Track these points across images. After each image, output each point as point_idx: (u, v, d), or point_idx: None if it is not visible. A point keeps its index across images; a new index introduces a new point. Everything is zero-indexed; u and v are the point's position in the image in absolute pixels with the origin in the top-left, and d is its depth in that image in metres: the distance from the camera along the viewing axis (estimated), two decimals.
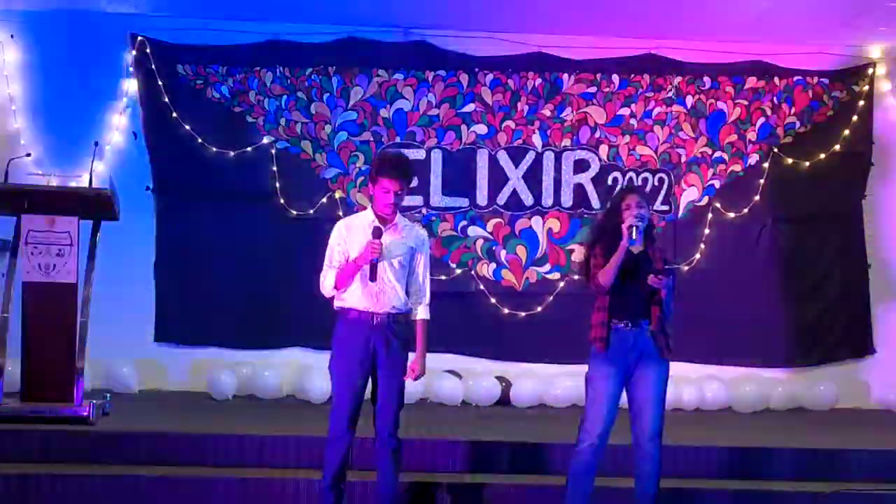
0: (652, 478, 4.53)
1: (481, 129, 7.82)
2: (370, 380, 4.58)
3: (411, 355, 4.62)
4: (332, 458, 4.54)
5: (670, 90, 7.85)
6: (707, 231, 7.80)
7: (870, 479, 5.40)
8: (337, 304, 4.58)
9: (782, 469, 5.51)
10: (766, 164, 7.85)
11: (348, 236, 4.56)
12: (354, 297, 4.52)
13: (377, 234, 4.43)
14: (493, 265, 7.79)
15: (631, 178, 7.81)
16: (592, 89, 7.83)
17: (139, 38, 7.54)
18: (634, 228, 4.39)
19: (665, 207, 7.86)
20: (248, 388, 7.35)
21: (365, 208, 4.70)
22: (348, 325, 4.54)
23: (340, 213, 7.28)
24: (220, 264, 7.55)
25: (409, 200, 7.54)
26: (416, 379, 4.61)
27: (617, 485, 4.91)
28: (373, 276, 4.41)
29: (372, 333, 4.51)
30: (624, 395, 4.56)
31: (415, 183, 7.38)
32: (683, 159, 7.89)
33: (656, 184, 7.86)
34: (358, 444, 4.61)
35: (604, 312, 4.51)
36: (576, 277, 7.15)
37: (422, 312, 4.65)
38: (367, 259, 4.40)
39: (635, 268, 4.48)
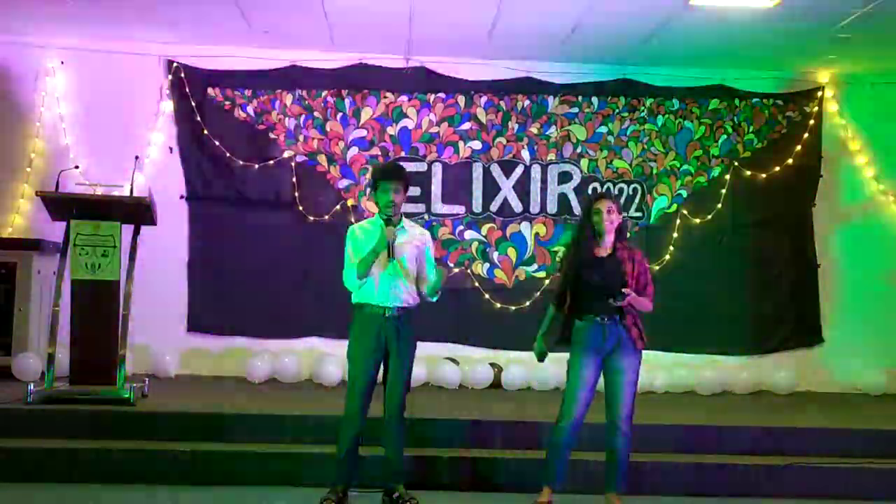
0: (622, 453, 4.52)
1: (476, 144, 7.81)
2: (382, 366, 4.61)
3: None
4: (346, 434, 4.55)
5: (643, 111, 7.82)
6: (676, 235, 7.80)
7: (823, 453, 5.34)
8: (354, 300, 4.62)
9: (741, 445, 5.45)
10: (727, 176, 7.83)
11: (361, 236, 4.61)
12: (370, 294, 4.56)
13: (387, 223, 4.51)
14: (487, 265, 7.78)
15: (609, 188, 7.77)
16: (574, 110, 7.81)
17: (174, 64, 7.54)
18: None
19: (639, 214, 7.84)
20: (271, 372, 7.32)
21: (373, 215, 4.74)
22: (364, 318, 4.58)
23: (352, 219, 7.30)
24: (245, 264, 7.54)
25: (412, 207, 7.56)
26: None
27: (591, 458, 4.87)
28: (391, 253, 4.44)
29: (384, 325, 4.54)
30: (602, 379, 4.56)
31: (417, 192, 7.53)
32: (655, 171, 7.86)
33: (631, 193, 7.83)
34: (369, 423, 4.61)
35: (566, 313, 4.50)
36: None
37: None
38: (384, 242, 4.42)
39: (603, 268, 4.46)
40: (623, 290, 4.34)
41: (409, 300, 4.62)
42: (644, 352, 4.60)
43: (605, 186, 7.80)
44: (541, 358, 4.63)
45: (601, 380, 4.54)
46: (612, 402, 4.48)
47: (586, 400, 4.47)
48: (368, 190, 7.37)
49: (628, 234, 4.84)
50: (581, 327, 4.47)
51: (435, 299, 4.71)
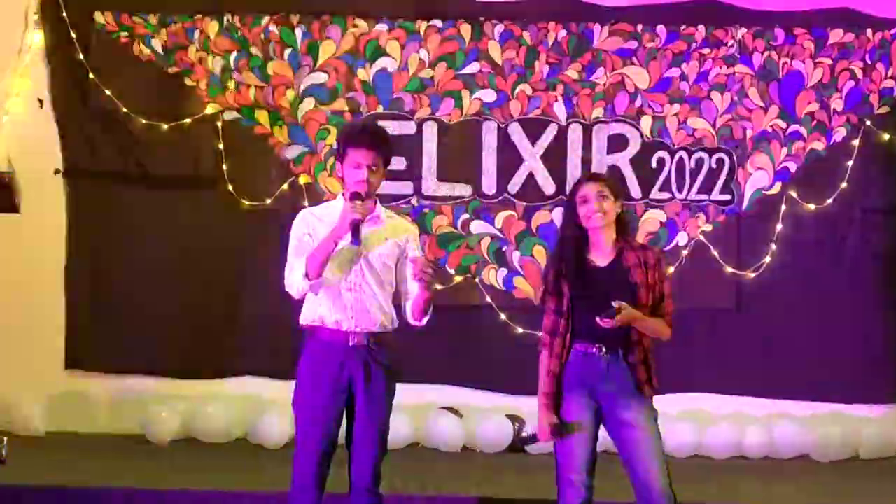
0: None
1: (488, 95, 7.76)
2: (345, 418, 4.61)
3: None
4: None
5: (732, 46, 7.80)
6: (779, 227, 7.79)
7: None
8: (304, 320, 4.63)
9: None
10: (855, 141, 7.83)
11: (318, 227, 4.60)
12: (325, 311, 4.56)
13: (355, 196, 4.48)
14: (504, 271, 7.76)
15: (682, 160, 7.76)
16: (632, 45, 7.80)
17: None
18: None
19: (725, 197, 7.81)
20: (188, 429, 7.36)
21: (336, 196, 4.78)
22: (317, 349, 4.59)
23: (306, 204, 7.18)
24: (151, 269, 7.56)
25: (395, 188, 7.55)
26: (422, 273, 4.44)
27: None
28: (356, 238, 4.43)
29: (347, 359, 4.55)
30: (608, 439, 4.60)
31: (402, 164, 7.53)
32: (749, 135, 7.82)
33: (713, 167, 7.80)
34: (328, 501, 4.56)
35: (559, 337, 4.58)
36: None
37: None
38: (347, 224, 4.41)
39: (602, 283, 4.54)
40: (613, 304, 4.39)
41: (384, 321, 4.62)
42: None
43: (676, 156, 7.77)
44: (556, 432, 4.58)
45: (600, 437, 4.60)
46: (634, 474, 4.50)
47: (588, 460, 4.52)
48: (332, 161, 7.51)
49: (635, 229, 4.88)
50: (573, 361, 4.57)
51: (423, 322, 4.70)
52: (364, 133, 4.67)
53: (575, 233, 4.63)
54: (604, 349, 4.50)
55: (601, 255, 4.61)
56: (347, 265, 4.54)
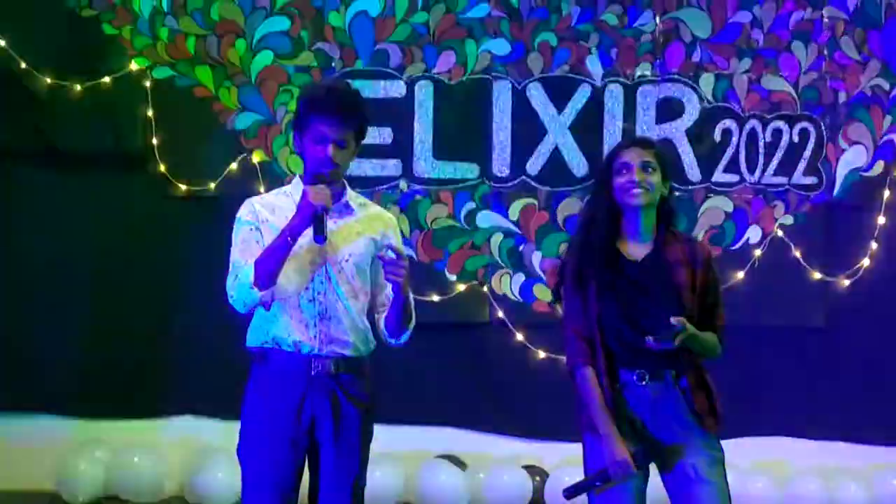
0: None
1: (500, 46, 7.67)
2: (307, 470, 4.62)
3: None
4: None
5: None
6: (882, 220, 7.77)
7: None
8: (252, 341, 4.61)
9: None
10: None
11: (271, 221, 4.60)
12: (279, 329, 4.54)
13: (317, 181, 4.47)
14: (521, 277, 7.69)
15: (753, 131, 7.67)
16: None
17: None
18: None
19: (811, 180, 7.72)
20: (111, 484, 7.30)
21: (295, 177, 4.83)
22: (269, 379, 4.58)
23: (262, 189, 7.19)
24: (61, 276, 7.52)
25: (378, 168, 7.57)
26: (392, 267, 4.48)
27: None
28: (320, 233, 4.39)
29: (309, 392, 4.53)
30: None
31: (387, 137, 7.58)
32: (842, 99, 7.73)
33: (796, 140, 7.70)
34: None
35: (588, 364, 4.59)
36: None
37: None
38: (307, 212, 4.40)
39: (640, 282, 4.57)
40: (672, 320, 4.34)
41: (357, 343, 4.60)
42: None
43: (746, 127, 7.67)
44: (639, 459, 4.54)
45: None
46: None
47: None
48: (292, 135, 7.55)
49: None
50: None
51: (403, 340, 4.74)
52: (330, 96, 4.63)
53: (605, 212, 4.62)
54: (646, 375, 4.50)
55: (637, 245, 4.63)
56: (309, 269, 4.54)
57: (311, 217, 4.36)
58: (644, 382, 4.50)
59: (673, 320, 4.30)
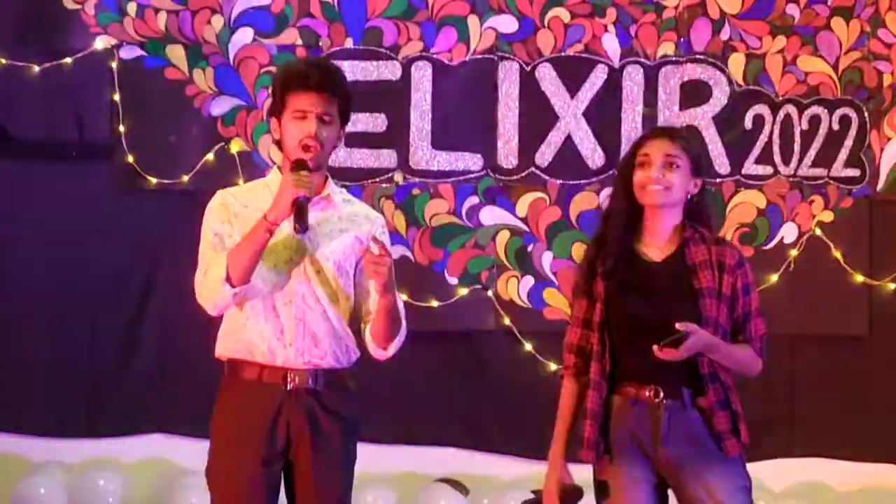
0: None
1: (506, 23, 7.37)
2: (283, 495, 4.61)
3: None
4: None
5: None
6: None
7: None
8: (222, 350, 4.53)
9: None
10: None
11: (243, 216, 4.53)
12: (252, 335, 4.46)
13: (299, 166, 4.42)
14: (530, 280, 7.40)
15: (789, 118, 7.35)
16: None
17: None
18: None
19: (852, 173, 7.38)
20: None
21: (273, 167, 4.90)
22: (240, 393, 4.52)
23: (241, 182, 6.99)
24: (17, 277, 7.36)
25: (371, 159, 7.34)
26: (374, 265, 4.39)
27: None
28: (302, 222, 4.36)
29: (285, 407, 4.46)
30: None
31: (380, 124, 7.38)
32: (888, 82, 7.36)
33: (836, 128, 7.36)
34: None
35: (594, 383, 4.56)
36: None
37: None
38: (287, 203, 4.35)
39: (656, 287, 4.51)
40: (678, 325, 4.29)
41: (339, 352, 4.52)
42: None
43: (780, 113, 7.36)
44: (566, 498, 4.69)
45: None
46: None
47: None
48: (272, 122, 7.44)
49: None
50: (615, 411, 4.54)
51: (391, 352, 4.61)
52: (311, 70, 4.60)
53: (624, 208, 4.58)
54: (661, 392, 4.43)
55: (656, 245, 4.57)
56: (285, 268, 4.46)
57: (292, 205, 4.28)
58: (658, 399, 4.44)
59: (678, 325, 4.21)
